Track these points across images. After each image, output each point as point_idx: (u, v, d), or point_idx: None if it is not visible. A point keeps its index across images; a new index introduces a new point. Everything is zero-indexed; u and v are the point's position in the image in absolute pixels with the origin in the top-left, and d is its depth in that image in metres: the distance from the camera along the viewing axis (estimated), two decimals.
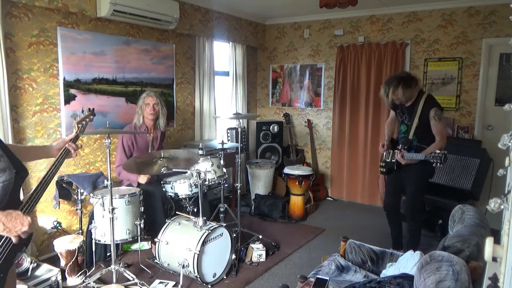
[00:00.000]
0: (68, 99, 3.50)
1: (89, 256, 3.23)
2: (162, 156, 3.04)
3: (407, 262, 2.20)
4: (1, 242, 1.49)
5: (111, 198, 2.77)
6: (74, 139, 1.89)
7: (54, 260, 3.18)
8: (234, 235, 3.33)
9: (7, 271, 1.56)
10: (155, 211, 3.38)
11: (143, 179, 3.46)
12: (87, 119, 2.01)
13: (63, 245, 3.00)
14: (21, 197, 1.67)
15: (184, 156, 3.20)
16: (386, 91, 3.20)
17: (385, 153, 3.47)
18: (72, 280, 3.01)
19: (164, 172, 2.95)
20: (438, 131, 3.14)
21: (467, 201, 3.75)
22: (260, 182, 5.02)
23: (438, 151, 2.92)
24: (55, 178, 3.31)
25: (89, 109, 2.03)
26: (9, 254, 1.53)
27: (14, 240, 1.47)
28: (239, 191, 3.67)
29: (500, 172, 1.09)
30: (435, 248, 1.97)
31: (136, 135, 3.57)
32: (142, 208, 3.21)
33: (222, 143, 3.83)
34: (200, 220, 3.00)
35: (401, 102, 3.27)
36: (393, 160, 3.34)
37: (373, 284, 2.03)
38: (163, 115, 3.68)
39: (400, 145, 3.30)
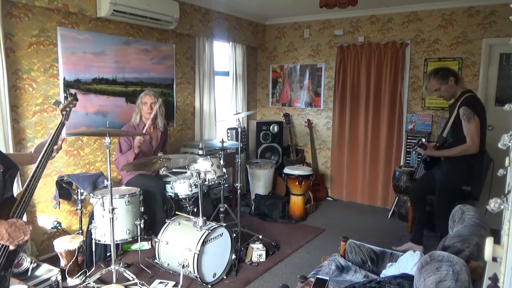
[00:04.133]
0: None
1: (89, 256, 3.22)
2: (161, 157, 3.03)
3: (407, 262, 2.20)
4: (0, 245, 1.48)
5: (111, 198, 2.77)
6: (60, 127, 1.83)
7: (54, 260, 3.18)
8: (234, 235, 3.33)
9: (10, 270, 1.56)
10: (155, 210, 3.38)
11: (137, 141, 3.40)
12: (71, 105, 1.94)
13: (63, 245, 3.00)
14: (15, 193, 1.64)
15: (183, 160, 3.21)
16: (425, 83, 3.26)
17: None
18: (72, 280, 3.01)
19: (165, 172, 2.95)
20: (467, 132, 3.02)
21: (467, 201, 3.75)
22: (260, 182, 5.02)
23: (423, 139, 2.98)
24: (55, 178, 3.32)
25: (71, 94, 1.95)
26: (9, 255, 1.52)
27: (12, 247, 1.46)
28: (239, 191, 3.66)
29: (500, 172, 1.09)
30: (435, 248, 1.97)
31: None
32: (142, 208, 3.20)
33: (222, 141, 3.83)
34: (200, 220, 3.00)
35: (441, 96, 3.28)
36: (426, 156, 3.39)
37: (373, 284, 2.03)
38: (161, 115, 3.68)
39: (436, 143, 3.31)
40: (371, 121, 5.11)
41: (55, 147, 1.81)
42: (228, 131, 5.31)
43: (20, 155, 1.99)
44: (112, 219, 2.79)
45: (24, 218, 3.17)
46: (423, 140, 3.30)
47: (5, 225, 1.44)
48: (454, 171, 3.16)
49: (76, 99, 2.00)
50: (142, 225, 3.14)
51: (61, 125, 1.85)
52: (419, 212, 3.58)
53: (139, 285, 2.85)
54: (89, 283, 2.86)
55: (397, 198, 4.68)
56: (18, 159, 1.89)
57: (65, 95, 1.99)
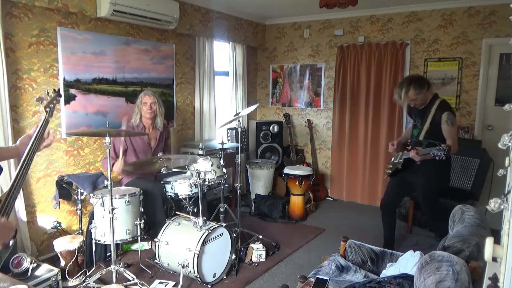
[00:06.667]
0: (68, 99, 3.50)
1: (89, 256, 3.22)
2: (161, 157, 3.03)
3: (407, 262, 2.20)
4: None
5: (111, 198, 2.77)
6: (44, 125, 1.77)
7: (54, 260, 3.18)
8: (234, 235, 3.34)
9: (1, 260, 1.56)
10: (155, 210, 3.38)
11: (117, 167, 3.35)
12: (54, 101, 1.88)
13: (63, 245, 3.00)
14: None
15: (183, 160, 3.22)
16: (399, 93, 3.21)
17: (393, 156, 3.47)
18: (72, 280, 3.01)
19: (164, 172, 2.95)
20: (450, 135, 3.09)
21: (467, 201, 3.75)
22: (260, 182, 5.02)
23: (443, 145, 2.86)
24: (55, 178, 3.32)
25: (54, 90, 1.90)
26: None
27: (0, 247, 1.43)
28: (239, 191, 3.66)
29: (500, 172, 1.09)
30: (435, 248, 1.97)
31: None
32: (142, 208, 3.21)
33: (222, 143, 3.83)
34: (200, 220, 3.00)
35: (416, 104, 3.28)
36: (400, 160, 3.32)
37: (373, 284, 2.03)
38: (161, 115, 3.67)
39: (410, 146, 3.27)
40: (371, 121, 5.11)
41: (44, 143, 1.76)
42: (228, 131, 5.31)
43: (4, 149, 1.93)
44: (112, 219, 2.79)
45: (24, 218, 3.18)
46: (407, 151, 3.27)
47: None
48: (436, 171, 3.20)
49: (60, 95, 1.94)
50: (142, 225, 3.14)
51: (45, 122, 1.79)
52: (390, 220, 3.60)
53: (139, 285, 2.84)
54: (89, 283, 2.86)
55: None
56: (3, 154, 1.85)
57: (47, 91, 1.92)
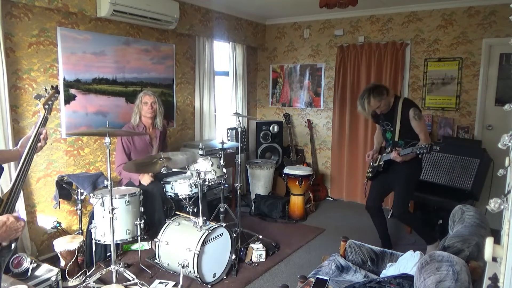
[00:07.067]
0: (68, 99, 3.50)
1: (89, 256, 3.22)
2: (161, 157, 3.03)
3: (407, 262, 2.20)
4: None
5: (111, 198, 2.77)
6: (43, 123, 1.77)
7: (54, 260, 3.18)
8: (234, 235, 3.34)
9: (4, 263, 1.56)
10: (155, 210, 3.38)
11: (146, 180, 3.42)
12: (53, 98, 1.88)
13: (63, 245, 3.00)
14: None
15: (183, 158, 3.21)
16: (362, 105, 3.31)
17: (371, 162, 3.61)
18: (72, 280, 3.01)
19: (164, 172, 2.95)
20: (420, 130, 3.25)
21: (467, 201, 3.75)
22: (260, 182, 5.02)
23: (424, 144, 3.06)
24: (55, 178, 3.32)
25: (52, 86, 1.90)
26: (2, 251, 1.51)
27: (5, 243, 1.44)
28: (239, 191, 3.66)
29: (500, 172, 1.09)
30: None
31: None
32: (142, 208, 3.21)
33: (222, 142, 3.83)
34: (200, 220, 3.00)
35: (382, 111, 3.38)
36: (380, 163, 3.45)
37: (373, 284, 2.03)
38: (161, 114, 3.68)
39: (389, 149, 3.41)
40: (371, 121, 5.10)
41: (39, 144, 1.77)
42: (228, 131, 5.31)
43: (6, 151, 1.95)
44: (112, 219, 2.79)
45: (24, 218, 3.17)
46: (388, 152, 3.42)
47: None
48: (417, 168, 3.41)
49: (58, 92, 1.93)
50: (142, 225, 3.14)
51: (44, 120, 1.79)
52: (380, 219, 3.67)
53: (139, 285, 2.84)
54: (89, 283, 2.86)
55: None
56: (5, 156, 1.86)
57: (45, 87, 1.92)
